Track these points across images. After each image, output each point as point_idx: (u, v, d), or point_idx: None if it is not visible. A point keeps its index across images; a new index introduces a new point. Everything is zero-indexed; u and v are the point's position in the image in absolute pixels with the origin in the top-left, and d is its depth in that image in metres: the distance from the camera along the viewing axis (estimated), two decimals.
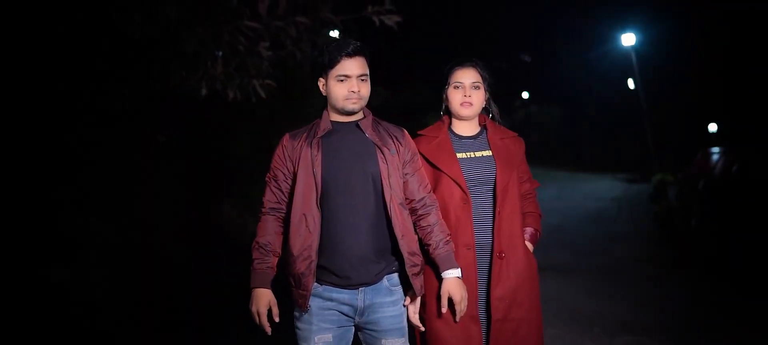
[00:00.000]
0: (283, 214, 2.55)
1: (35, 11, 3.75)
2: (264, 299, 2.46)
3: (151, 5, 3.68)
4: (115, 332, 4.88)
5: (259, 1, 3.96)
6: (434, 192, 2.73)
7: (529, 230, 2.88)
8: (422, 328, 2.64)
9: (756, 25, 19.04)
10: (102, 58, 4.02)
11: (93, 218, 6.03)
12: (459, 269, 2.59)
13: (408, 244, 2.50)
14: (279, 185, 2.54)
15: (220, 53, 4.09)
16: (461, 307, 2.58)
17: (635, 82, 23.31)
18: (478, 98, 2.82)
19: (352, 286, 2.47)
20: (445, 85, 2.86)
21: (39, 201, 5.34)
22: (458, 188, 2.72)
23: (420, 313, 2.66)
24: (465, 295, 2.58)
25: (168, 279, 6.01)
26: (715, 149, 11.68)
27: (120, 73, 4.16)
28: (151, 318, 5.24)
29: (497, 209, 2.73)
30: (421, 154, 2.76)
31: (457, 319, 2.62)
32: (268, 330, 2.47)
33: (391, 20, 4.70)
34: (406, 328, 2.58)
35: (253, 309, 2.46)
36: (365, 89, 2.51)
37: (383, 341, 2.52)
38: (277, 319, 2.49)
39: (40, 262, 5.25)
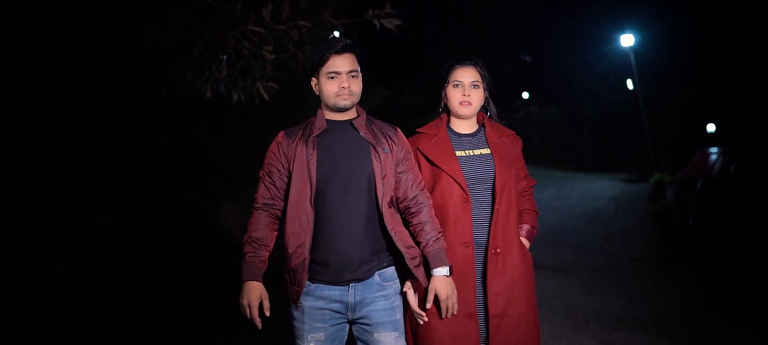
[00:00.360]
0: (276, 211, 2.55)
1: (69, 25, 3.87)
2: (255, 292, 2.44)
3: (162, 13, 3.79)
4: (118, 328, 4.93)
5: (263, 7, 4.07)
6: (433, 190, 2.75)
7: (525, 227, 2.89)
8: (425, 318, 2.63)
9: (754, 26, 19.12)
10: (121, 66, 4.13)
11: (100, 216, 6.10)
12: (448, 267, 2.57)
13: (402, 238, 2.52)
14: (273, 181, 2.54)
15: (225, 57, 4.19)
16: (448, 305, 2.57)
17: (634, 83, 23.41)
18: (477, 97, 2.83)
19: (343, 282, 2.48)
20: (445, 83, 2.86)
21: (49, 199, 5.42)
22: (458, 186, 2.73)
23: (414, 311, 2.67)
24: (452, 293, 2.57)
25: (171, 277, 6.07)
26: (714, 149, 11.76)
27: (133, 79, 4.26)
28: (153, 315, 5.30)
29: (495, 207, 2.74)
30: (420, 151, 2.80)
31: (443, 316, 2.63)
32: (259, 323, 2.45)
33: (391, 24, 4.80)
34: (401, 324, 2.57)
35: (244, 302, 2.43)
36: (356, 86, 2.52)
37: (375, 334, 2.51)
38: (267, 313, 2.46)
39: (48, 258, 5.33)
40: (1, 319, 4.53)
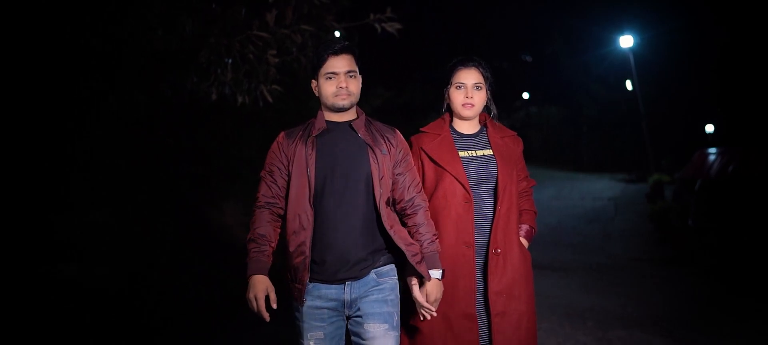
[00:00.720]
0: (278, 209, 2.58)
1: (69, 26, 3.95)
2: (261, 285, 2.46)
3: (170, 19, 3.88)
4: (118, 328, 4.96)
5: (267, 12, 4.16)
6: (436, 190, 2.79)
7: (524, 227, 2.92)
8: (434, 312, 2.61)
9: (753, 27, 19.18)
10: (126, 69, 4.22)
11: (101, 216, 6.17)
12: (441, 271, 2.61)
13: (402, 237, 2.55)
14: (275, 180, 2.58)
15: (230, 60, 4.29)
16: (433, 308, 2.60)
17: (633, 84, 23.48)
18: (480, 99, 2.85)
19: (338, 281, 2.52)
20: (447, 84, 2.88)
21: (50, 199, 5.48)
22: (461, 187, 2.76)
23: (411, 312, 2.68)
24: (439, 296, 2.61)
25: (171, 277, 6.10)
26: (712, 150, 11.77)
27: (138, 82, 4.35)
28: (153, 315, 5.32)
29: (497, 207, 2.77)
30: (423, 151, 2.85)
31: (424, 318, 2.63)
32: (266, 316, 2.46)
33: (392, 27, 4.88)
34: (393, 319, 2.57)
35: (250, 296, 2.46)
36: (354, 85, 2.56)
37: (365, 325, 2.53)
38: (274, 306, 2.48)
39: (50, 257, 5.38)
40: (2, 317, 4.58)
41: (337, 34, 5.06)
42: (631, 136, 26.79)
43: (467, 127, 2.93)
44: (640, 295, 6.89)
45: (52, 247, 5.47)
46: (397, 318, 2.59)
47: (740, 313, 6.11)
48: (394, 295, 2.61)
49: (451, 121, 2.95)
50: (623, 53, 22.35)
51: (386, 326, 2.54)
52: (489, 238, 2.80)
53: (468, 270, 2.77)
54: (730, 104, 21.16)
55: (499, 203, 2.79)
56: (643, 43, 23.22)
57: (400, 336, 2.76)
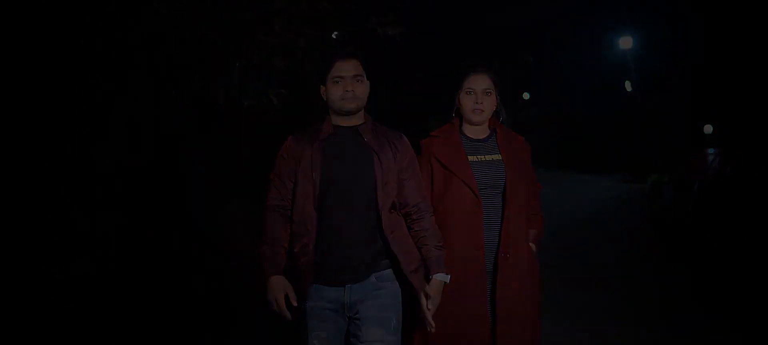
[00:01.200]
0: (287, 212, 2.62)
1: (87, 34, 4.08)
2: (280, 285, 2.51)
3: (180, 25, 4.01)
4: (122, 327, 5.04)
5: (274, 18, 4.29)
6: (445, 193, 2.84)
7: (531, 232, 2.98)
8: (433, 325, 2.63)
9: (751, 29, 19.27)
10: (137, 73, 4.34)
11: (110, 216, 6.26)
12: (448, 276, 2.63)
13: (400, 243, 2.59)
14: (283, 183, 2.62)
15: (238, 64, 4.42)
16: (429, 308, 2.62)
17: (632, 85, 23.58)
18: (490, 104, 2.90)
19: (339, 283, 2.55)
20: (458, 88, 2.93)
21: (64, 198, 5.59)
22: (470, 191, 2.82)
23: (417, 314, 2.69)
24: (439, 300, 2.63)
25: (176, 277, 6.17)
26: (711, 150, 11.78)
27: (150, 86, 4.47)
28: (159, 314, 5.37)
29: (505, 212, 2.83)
30: (433, 155, 2.92)
31: (429, 327, 2.65)
32: (288, 315, 2.51)
33: (394, 31, 5.01)
34: (392, 324, 2.59)
35: (270, 298, 2.51)
36: (360, 89, 2.60)
37: (363, 328, 2.56)
38: (295, 303, 2.52)
39: (60, 256, 5.48)
40: (17, 313, 4.67)
41: (337, 34, 5.18)
42: (630, 136, 26.85)
43: (477, 131, 2.99)
44: (637, 293, 6.97)
45: (60, 245, 5.55)
46: (395, 322, 2.62)
47: (737, 313, 6.17)
48: (394, 300, 2.64)
49: (461, 125, 3.02)
50: (623, 54, 22.43)
51: (383, 331, 2.57)
52: (498, 241, 2.86)
53: (479, 272, 2.84)
54: (728, 105, 21.23)
55: (507, 207, 2.86)
56: (642, 44, 23.33)
57: (413, 338, 2.85)
